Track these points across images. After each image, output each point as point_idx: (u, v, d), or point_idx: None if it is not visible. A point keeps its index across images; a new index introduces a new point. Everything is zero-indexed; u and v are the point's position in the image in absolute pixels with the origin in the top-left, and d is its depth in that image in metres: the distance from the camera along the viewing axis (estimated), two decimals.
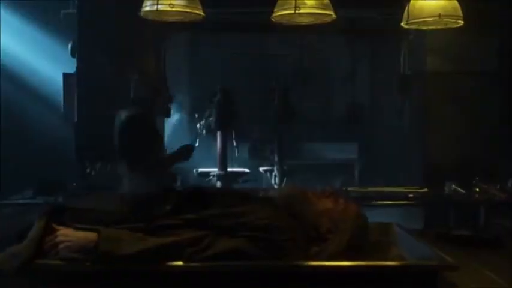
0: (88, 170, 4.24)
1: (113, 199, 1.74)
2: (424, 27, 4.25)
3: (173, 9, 3.84)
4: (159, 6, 3.83)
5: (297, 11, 3.88)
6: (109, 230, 1.57)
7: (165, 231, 1.58)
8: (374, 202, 4.07)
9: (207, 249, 1.54)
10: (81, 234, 1.57)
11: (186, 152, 4.16)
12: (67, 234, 1.57)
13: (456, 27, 4.01)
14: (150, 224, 1.60)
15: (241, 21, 4.98)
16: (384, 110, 6.22)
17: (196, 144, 5.42)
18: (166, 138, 5.27)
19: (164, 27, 4.46)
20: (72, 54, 4.51)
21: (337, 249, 1.63)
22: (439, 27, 4.18)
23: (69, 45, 4.54)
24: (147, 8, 3.88)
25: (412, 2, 4.09)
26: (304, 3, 3.92)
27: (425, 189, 4.37)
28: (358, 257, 1.61)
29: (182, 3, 3.88)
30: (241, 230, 1.58)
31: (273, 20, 4.04)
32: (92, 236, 1.55)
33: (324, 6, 3.96)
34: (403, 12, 4.35)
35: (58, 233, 1.58)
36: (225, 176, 5.21)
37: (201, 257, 1.53)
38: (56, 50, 4.93)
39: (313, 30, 4.29)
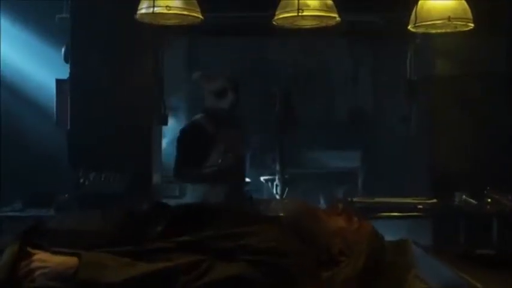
0: (81, 180, 4.09)
1: (96, 218, 1.54)
2: (433, 31, 4.08)
3: (170, 11, 3.68)
4: (156, 8, 3.67)
5: (300, 14, 3.72)
6: (91, 254, 1.37)
7: (156, 256, 1.38)
8: (381, 214, 3.88)
9: (204, 276, 1.35)
10: (59, 259, 1.37)
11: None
12: (44, 259, 1.37)
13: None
14: (139, 247, 1.40)
15: (241, 25, 4.81)
16: (387, 116, 6.05)
17: None
18: (164, 147, 5.15)
19: (161, 31, 4.34)
20: (66, 60, 4.36)
21: (352, 273, 1.43)
22: (448, 30, 4.01)
23: (63, 50, 4.39)
24: (143, 11, 3.71)
25: (420, 3, 3.91)
26: (308, 5, 3.75)
27: (434, 200, 4.18)
28: (376, 283, 1.41)
29: (179, 5, 3.72)
30: (243, 254, 1.38)
31: (275, 23, 3.88)
32: (71, 261, 1.36)
33: (328, 8, 3.79)
34: (405, 16, 4.19)
35: (34, 257, 1.38)
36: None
37: (197, 285, 1.34)
38: (50, 55, 4.75)
39: (314, 34, 4.11)
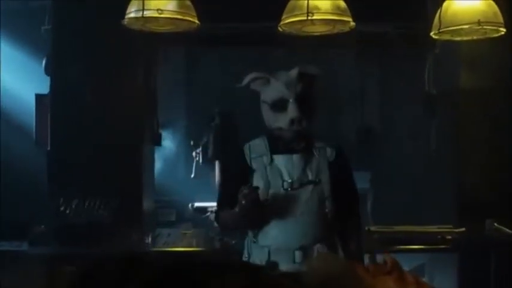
0: (62, 208, 3.65)
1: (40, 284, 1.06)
2: (458, 38, 3.65)
3: (162, 15, 3.31)
4: (145, 12, 3.27)
5: (309, 17, 3.28)
6: None
7: None
8: (402, 247, 3.40)
9: None
10: None
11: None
12: None
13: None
14: None
15: (242, 35, 4.39)
16: (401, 133, 5.57)
17: (192, 175, 4.94)
18: (156, 169, 4.75)
19: (154, 39, 3.95)
20: (47, 72, 3.97)
21: None
22: (476, 36, 3.58)
23: (43, 62, 4.00)
24: (132, 15, 3.33)
25: (444, 5, 3.49)
26: (318, 8, 3.33)
27: (463, 229, 3.69)
28: None
29: (172, 8, 3.29)
30: None
31: (281, 29, 3.46)
32: None
33: (341, 12, 3.37)
34: (419, 25, 3.98)
35: None
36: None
37: None
38: (34, 69, 4.32)
39: (322, 43, 3.69)
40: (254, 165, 2.52)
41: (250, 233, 2.55)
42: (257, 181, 2.47)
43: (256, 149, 2.54)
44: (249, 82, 2.56)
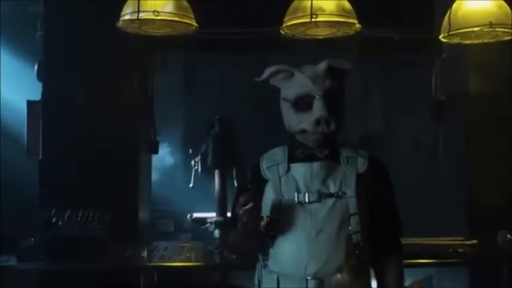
0: (54, 220, 3.44)
1: None
2: (468, 41, 3.49)
3: (158, 17, 3.19)
4: (141, 14, 3.14)
5: (313, 19, 3.14)
6: None
7: None
8: (411, 260, 3.22)
9: None
10: None
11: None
12: None
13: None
14: None
15: (243, 40, 4.27)
16: (406, 142, 5.43)
17: (191, 185, 4.79)
18: (154, 179, 4.63)
19: (150, 45, 3.93)
20: (39, 77, 3.83)
21: None
22: (487, 40, 3.43)
23: (35, 67, 3.85)
24: (127, 17, 3.23)
25: (454, 7, 3.36)
26: (322, 9, 3.20)
27: (474, 241, 3.52)
28: None
29: (169, 9, 3.15)
30: None
31: (283, 32, 3.33)
32: None
33: (346, 13, 3.24)
34: (425, 30, 3.97)
35: None
36: (223, 223, 4.37)
37: None
38: (27, 74, 4.19)
39: (324, 48, 3.60)
40: (268, 175, 2.11)
41: (260, 255, 2.13)
42: (269, 193, 2.08)
43: (272, 157, 2.15)
44: (269, 76, 2.14)
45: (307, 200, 2.02)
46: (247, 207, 1.93)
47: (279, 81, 2.14)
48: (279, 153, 2.14)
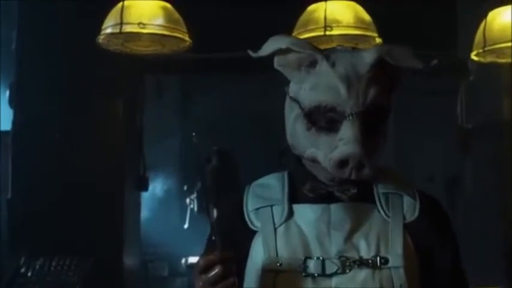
0: (23, 270, 3.13)
1: None
2: (503, 60, 3.09)
3: (144, 30, 2.77)
4: (125, 26, 2.77)
5: (327, 32, 2.73)
6: None
7: None
8: None
9: None
10: None
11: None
12: None
13: None
14: None
15: (242, 63, 3.87)
16: (429, 175, 5.04)
17: (185, 226, 4.54)
18: (145, 218, 4.35)
19: (139, 66, 3.51)
20: (10, 104, 3.54)
21: None
22: None
23: (7, 93, 3.57)
24: (109, 31, 2.86)
25: (489, 19, 2.97)
26: (338, 22, 2.80)
27: None
28: None
29: (157, 22, 2.76)
30: None
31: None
32: None
33: (365, 26, 2.82)
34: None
35: None
36: None
37: None
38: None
39: None
40: (255, 223, 1.30)
41: None
42: (256, 255, 1.27)
43: (263, 192, 1.33)
44: (272, 53, 1.28)
45: (322, 271, 1.24)
46: (210, 275, 1.17)
47: (288, 68, 1.29)
48: (274, 186, 1.34)
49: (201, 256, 1.20)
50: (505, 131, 3.56)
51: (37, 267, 3.13)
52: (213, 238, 1.21)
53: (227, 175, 4.25)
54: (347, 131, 1.20)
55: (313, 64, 1.25)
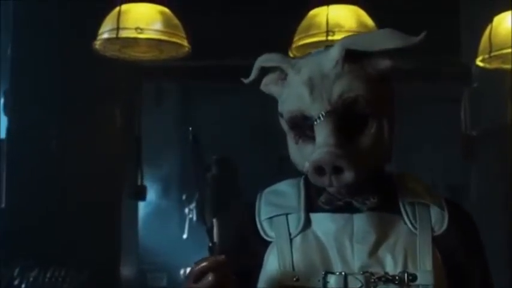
0: (17, 281, 3.11)
1: None
2: (508, 66, 3.04)
3: (141, 35, 2.75)
4: (122, 31, 2.74)
5: (329, 37, 2.69)
6: None
7: None
8: None
9: None
10: None
11: None
12: None
13: None
14: None
15: (241, 70, 3.84)
16: (433, 184, 5.02)
17: (184, 236, 4.46)
18: (143, 228, 4.37)
19: (136, 73, 3.53)
20: (5, 111, 3.55)
21: None
22: None
23: (1, 100, 3.57)
24: (105, 36, 2.83)
25: (495, 23, 2.91)
26: (340, 26, 2.74)
27: None
28: None
29: (155, 27, 2.72)
30: None
31: (292, 54, 3.00)
32: None
33: (368, 30, 2.74)
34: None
35: None
36: None
37: None
38: None
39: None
40: (269, 233, 1.20)
41: None
42: (271, 267, 1.16)
43: (277, 199, 1.24)
44: (256, 75, 1.26)
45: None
46: (202, 284, 1.07)
47: (269, 86, 1.28)
48: (289, 193, 1.25)
49: (195, 264, 1.10)
50: (509, 138, 3.54)
51: (31, 279, 3.11)
52: (210, 245, 1.13)
53: (227, 183, 4.23)
54: (317, 136, 1.12)
55: (286, 76, 1.21)
